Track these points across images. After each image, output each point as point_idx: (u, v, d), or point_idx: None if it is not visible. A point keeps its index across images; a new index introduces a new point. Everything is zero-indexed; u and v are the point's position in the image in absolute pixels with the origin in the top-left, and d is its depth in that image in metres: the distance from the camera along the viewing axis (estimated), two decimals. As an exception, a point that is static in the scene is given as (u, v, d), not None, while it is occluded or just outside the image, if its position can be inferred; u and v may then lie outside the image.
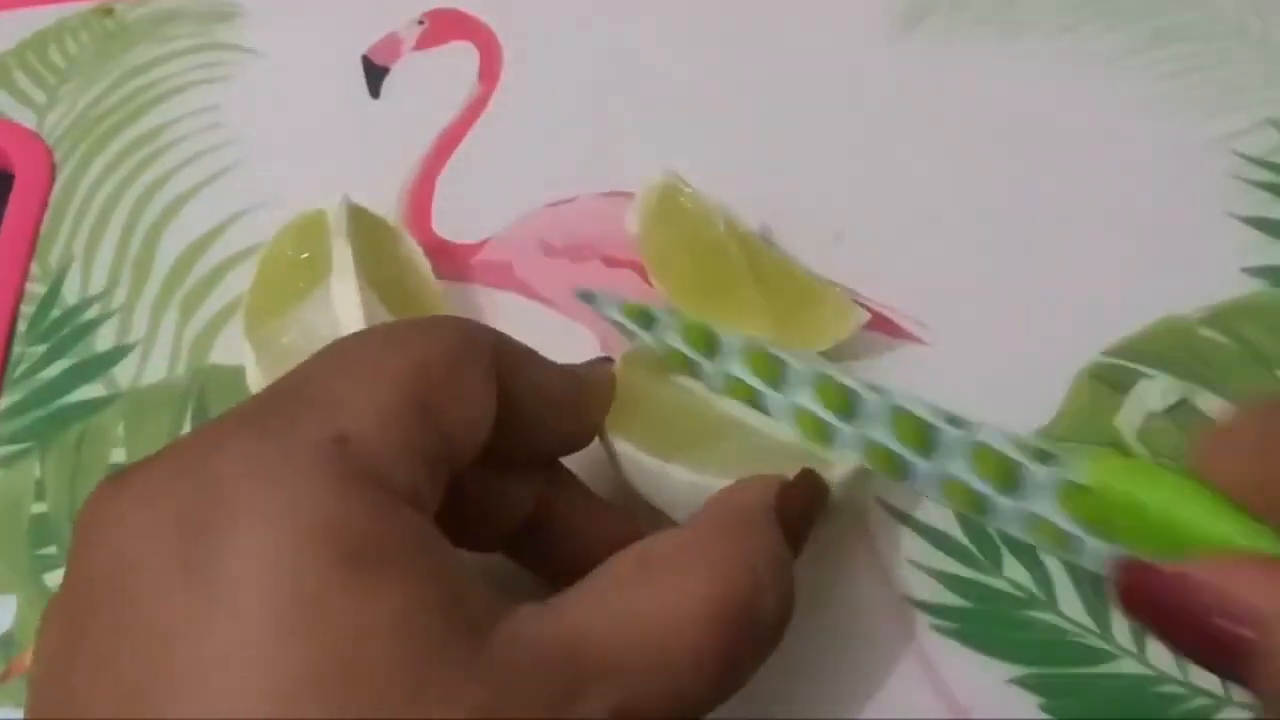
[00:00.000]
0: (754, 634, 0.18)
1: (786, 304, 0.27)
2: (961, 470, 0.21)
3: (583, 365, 0.24)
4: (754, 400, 0.24)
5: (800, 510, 0.21)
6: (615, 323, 0.25)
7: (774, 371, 0.23)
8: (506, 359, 0.20)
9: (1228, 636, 0.16)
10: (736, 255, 0.28)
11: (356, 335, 0.20)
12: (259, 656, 0.14)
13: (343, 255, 0.27)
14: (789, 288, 0.28)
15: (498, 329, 0.21)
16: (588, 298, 0.25)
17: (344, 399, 0.17)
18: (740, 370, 0.24)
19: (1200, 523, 0.18)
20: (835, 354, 0.27)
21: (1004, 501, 0.21)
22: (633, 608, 0.17)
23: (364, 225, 0.29)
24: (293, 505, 0.15)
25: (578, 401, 0.23)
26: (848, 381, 0.23)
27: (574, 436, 0.23)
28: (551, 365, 0.22)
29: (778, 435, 0.24)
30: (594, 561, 0.18)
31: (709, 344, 0.24)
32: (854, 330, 0.27)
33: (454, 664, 0.15)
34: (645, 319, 0.25)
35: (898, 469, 0.22)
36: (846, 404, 0.23)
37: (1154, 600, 0.17)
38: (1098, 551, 0.20)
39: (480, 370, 0.19)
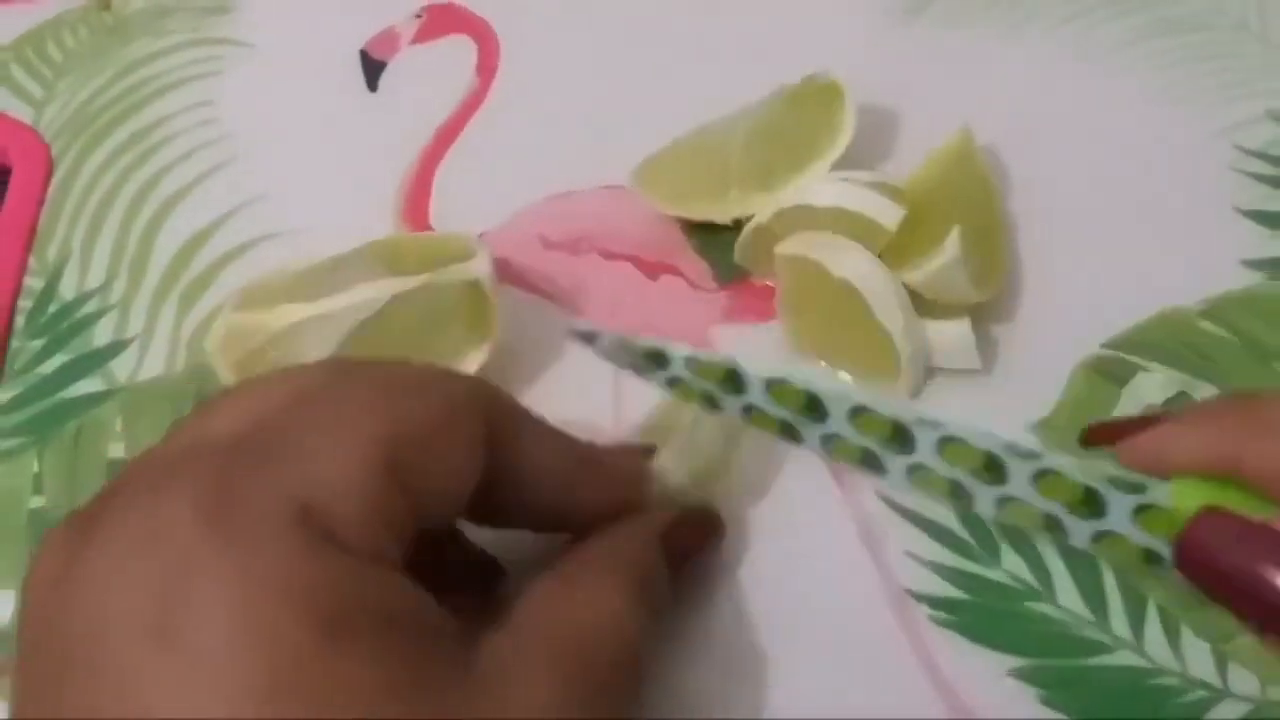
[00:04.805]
0: (655, 608, 0.21)
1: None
2: (1028, 495, 0.21)
3: (614, 450, 0.24)
4: (785, 429, 0.22)
5: (682, 545, 0.23)
6: (624, 362, 0.23)
7: (806, 404, 0.22)
8: (502, 426, 0.20)
9: None
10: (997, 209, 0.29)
11: (336, 383, 0.19)
12: None
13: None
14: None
15: (501, 391, 0.21)
16: (587, 338, 0.23)
17: (313, 461, 0.17)
18: (767, 403, 0.22)
19: None
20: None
21: (1078, 523, 0.21)
22: (579, 624, 0.19)
23: (470, 298, 0.28)
24: (263, 572, 0.16)
25: (575, 480, 0.22)
26: (893, 414, 0.21)
27: (572, 514, 0.22)
28: (558, 438, 0.22)
29: None
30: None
31: (732, 381, 0.22)
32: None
33: (439, 709, 0.16)
34: (658, 359, 0.23)
35: (959, 496, 0.22)
36: (893, 438, 0.21)
37: (1232, 552, 0.17)
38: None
39: (464, 440, 0.19)
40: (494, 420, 0.20)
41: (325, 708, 0.15)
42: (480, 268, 0.27)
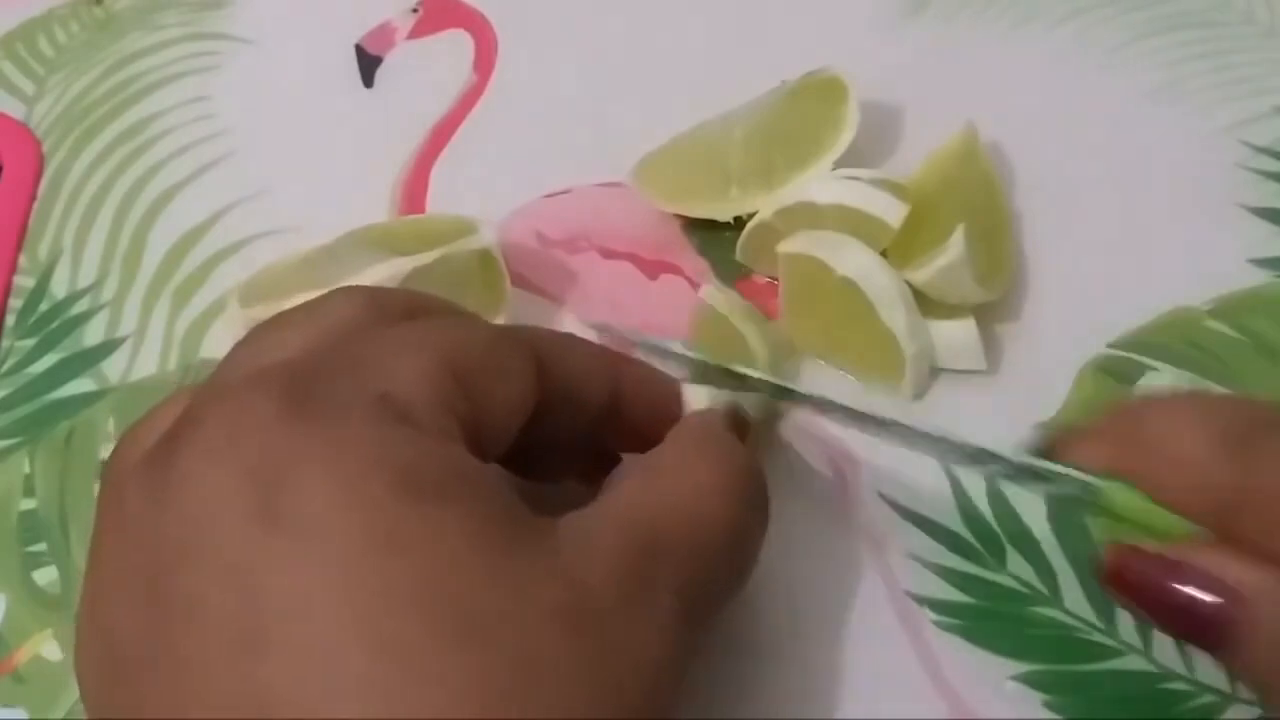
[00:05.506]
0: (756, 505, 0.21)
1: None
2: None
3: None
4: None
5: (741, 429, 0.24)
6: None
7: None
8: (546, 346, 0.21)
9: (1205, 610, 0.17)
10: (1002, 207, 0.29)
11: (400, 320, 0.20)
12: (347, 587, 0.16)
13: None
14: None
15: (540, 328, 0.22)
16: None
17: (385, 366, 0.18)
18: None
19: None
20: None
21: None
22: (663, 499, 0.19)
23: (481, 268, 0.29)
24: (349, 451, 0.17)
25: (617, 373, 0.23)
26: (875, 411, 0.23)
27: (623, 416, 0.23)
28: (597, 346, 0.23)
29: None
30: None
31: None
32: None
33: (530, 569, 0.16)
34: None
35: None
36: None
37: (1137, 578, 0.18)
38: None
39: (518, 356, 0.20)
40: (538, 344, 0.21)
41: (421, 565, 0.16)
42: (487, 237, 0.28)
